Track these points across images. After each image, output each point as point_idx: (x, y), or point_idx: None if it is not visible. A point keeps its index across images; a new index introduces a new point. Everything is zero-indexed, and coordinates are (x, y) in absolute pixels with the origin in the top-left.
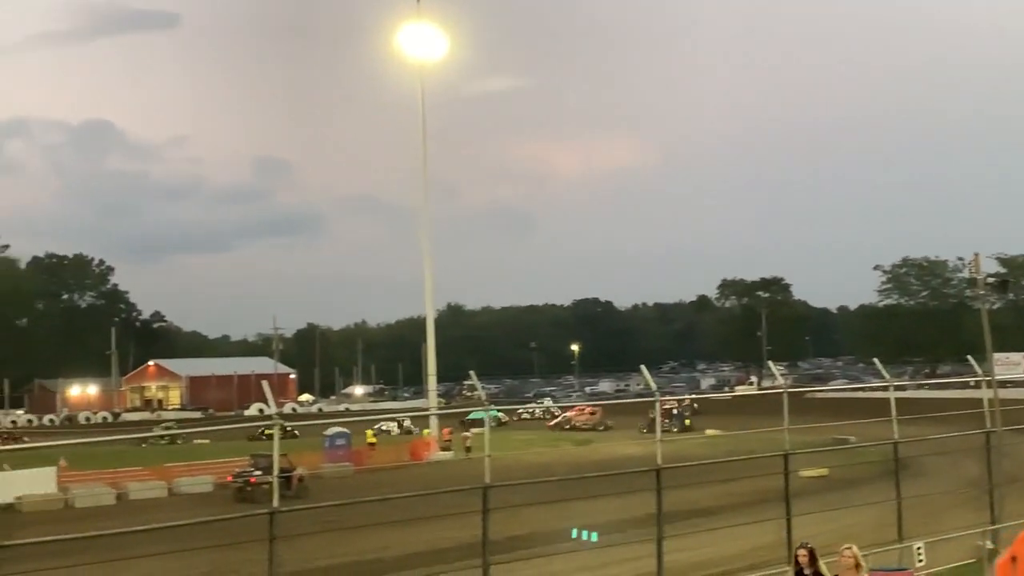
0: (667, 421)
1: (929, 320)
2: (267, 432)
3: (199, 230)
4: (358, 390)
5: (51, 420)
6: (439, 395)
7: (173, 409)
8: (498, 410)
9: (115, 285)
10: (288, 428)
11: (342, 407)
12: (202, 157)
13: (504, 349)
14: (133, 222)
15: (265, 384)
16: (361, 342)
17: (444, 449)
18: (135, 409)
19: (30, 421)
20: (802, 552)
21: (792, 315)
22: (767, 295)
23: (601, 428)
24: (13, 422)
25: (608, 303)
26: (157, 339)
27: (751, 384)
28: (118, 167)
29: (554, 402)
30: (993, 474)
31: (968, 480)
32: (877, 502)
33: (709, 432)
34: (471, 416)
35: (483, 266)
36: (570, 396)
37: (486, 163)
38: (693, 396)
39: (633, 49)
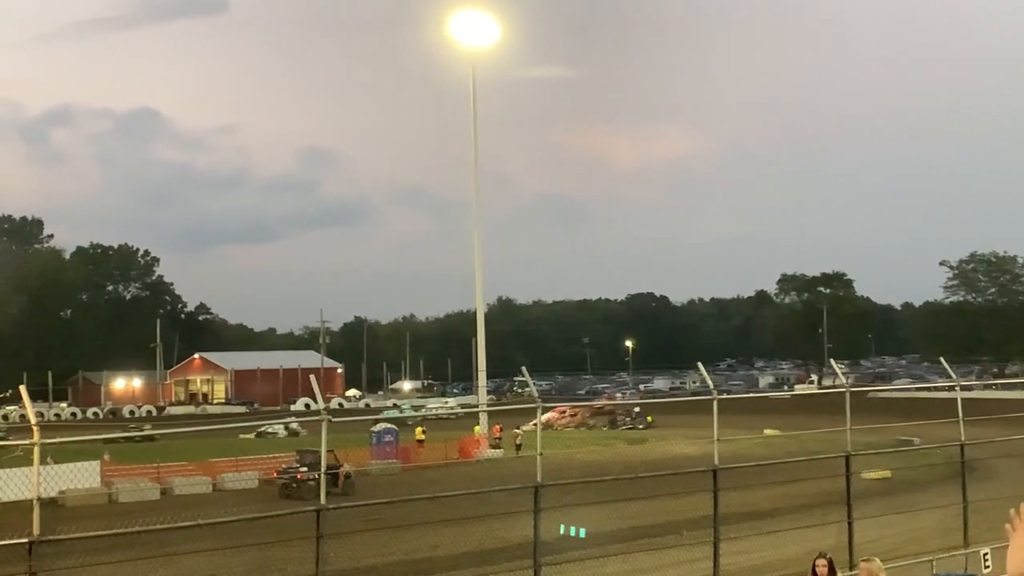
0: (629, 419)
1: (997, 318)
2: (268, 432)
3: (245, 221)
4: (406, 385)
5: (95, 413)
6: (489, 391)
7: (218, 403)
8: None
9: (160, 276)
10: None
11: (389, 402)
12: (249, 146)
13: (556, 344)
14: (179, 212)
15: (312, 378)
16: (409, 336)
17: (494, 447)
18: (180, 403)
19: (74, 414)
20: (821, 562)
21: (854, 312)
22: (829, 291)
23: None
24: (57, 415)
25: (663, 298)
26: (202, 332)
27: (811, 383)
28: (164, 156)
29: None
30: None
31: None
32: (942, 506)
33: (767, 432)
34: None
35: (535, 259)
36: (624, 393)
37: (539, 153)
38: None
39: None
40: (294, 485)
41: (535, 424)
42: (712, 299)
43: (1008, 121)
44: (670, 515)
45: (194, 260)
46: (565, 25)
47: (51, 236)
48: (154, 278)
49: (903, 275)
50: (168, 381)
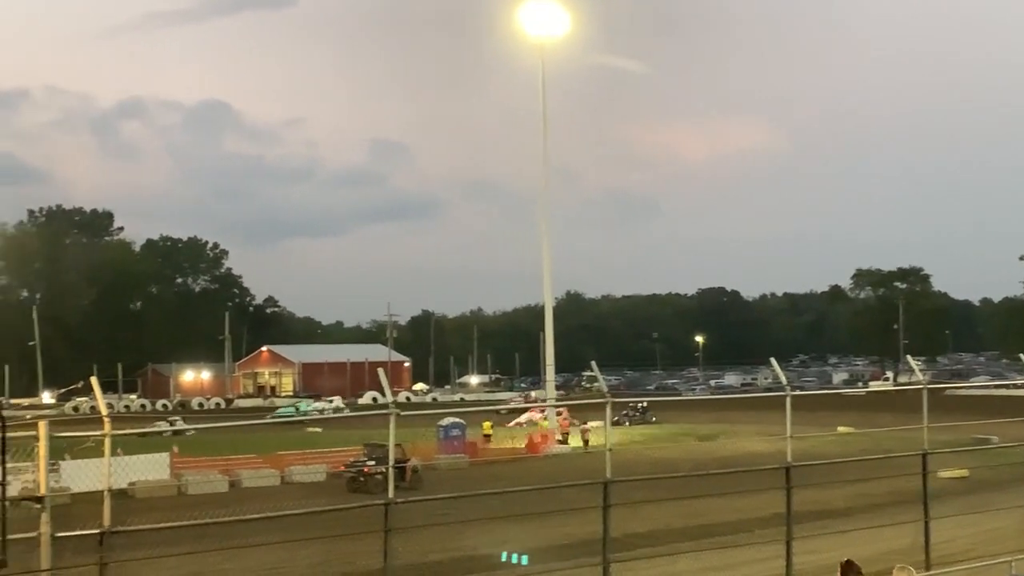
0: (637, 414)
1: None
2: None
3: (314, 214)
4: (473, 379)
5: (164, 405)
6: (556, 386)
7: (286, 396)
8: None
9: (229, 269)
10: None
11: (457, 397)
12: (318, 139)
13: (625, 339)
14: (248, 205)
15: (381, 372)
16: (477, 330)
17: (562, 442)
18: (248, 395)
19: (143, 406)
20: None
21: (931, 307)
22: (905, 286)
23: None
24: (126, 407)
25: (735, 293)
26: (270, 325)
27: (886, 379)
28: (234, 149)
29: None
30: None
31: None
32: (1021, 505)
33: (841, 429)
34: (280, 411)
35: (604, 253)
36: (693, 389)
37: (608, 146)
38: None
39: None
40: (361, 479)
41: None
42: (784, 294)
43: None
44: (741, 513)
45: (262, 253)
46: (635, 16)
47: (121, 228)
48: (223, 271)
49: (982, 270)
50: (236, 374)
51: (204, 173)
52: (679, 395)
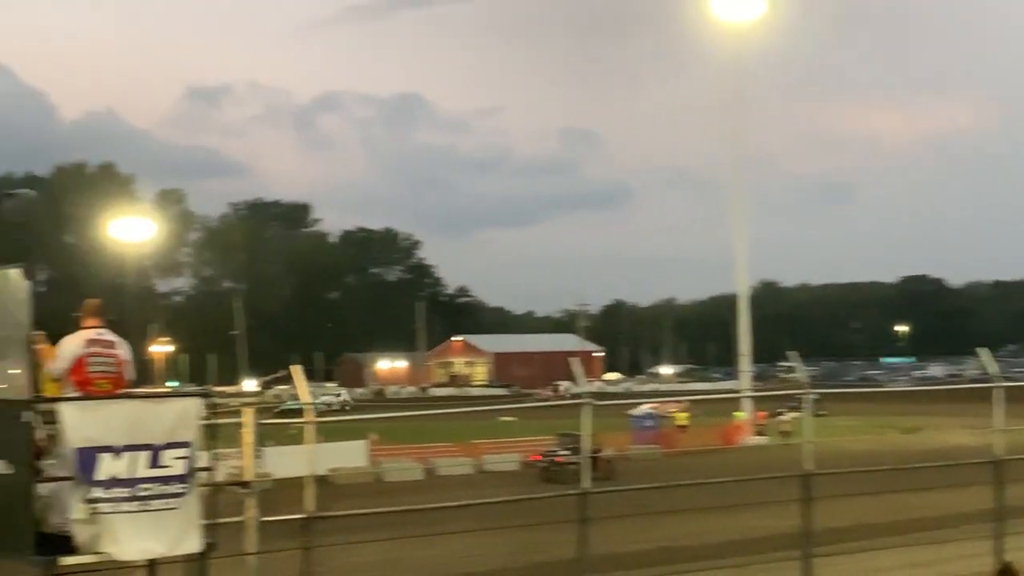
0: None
1: None
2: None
3: (505, 204)
4: (666, 369)
5: (360, 393)
6: (752, 377)
7: (479, 385)
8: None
9: (422, 259)
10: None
11: (649, 387)
12: (510, 129)
13: (822, 329)
14: (440, 196)
15: (574, 362)
16: (669, 320)
17: (758, 433)
18: (441, 384)
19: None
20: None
21: None
22: None
23: None
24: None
25: (939, 280)
26: (462, 314)
27: None
28: (427, 140)
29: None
30: None
31: None
32: None
33: None
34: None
35: (800, 240)
36: (895, 381)
37: (804, 130)
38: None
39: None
40: (555, 468)
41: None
42: (994, 281)
43: None
44: (947, 508)
45: (455, 243)
46: None
47: (318, 220)
48: (416, 261)
49: None
50: (430, 363)
51: (398, 164)
52: (881, 387)
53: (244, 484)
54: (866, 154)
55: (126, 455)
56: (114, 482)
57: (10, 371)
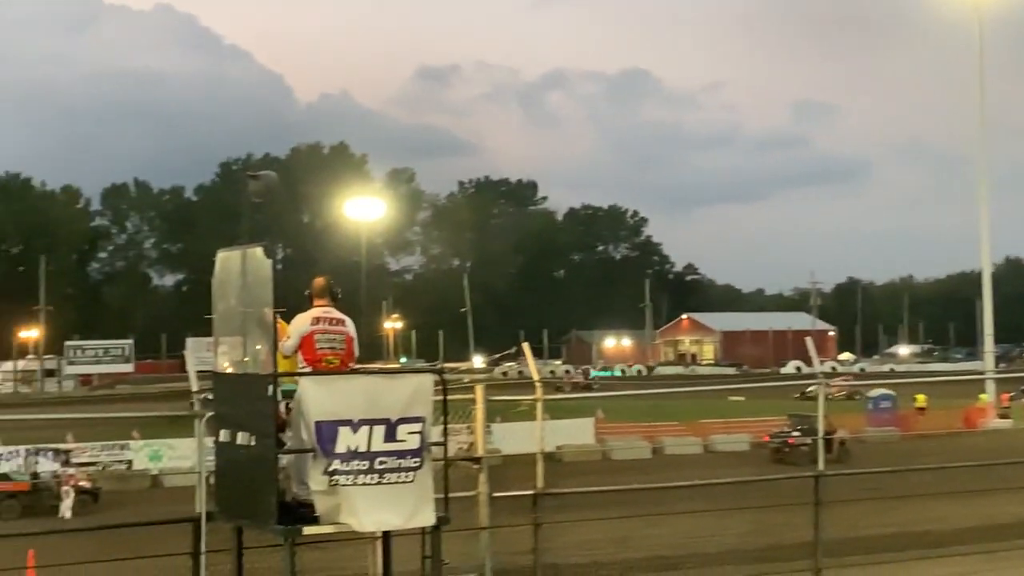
0: None
1: None
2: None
3: (734, 179)
4: (903, 350)
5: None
6: (996, 358)
7: (707, 364)
8: None
9: (648, 237)
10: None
11: (886, 367)
12: (738, 103)
13: None
14: (667, 172)
15: (808, 340)
16: (907, 298)
17: (1002, 416)
18: (669, 363)
19: (567, 371)
20: None
21: None
22: None
23: None
24: (552, 372)
25: None
26: (690, 292)
27: None
28: (653, 116)
29: None
30: None
31: None
32: None
33: None
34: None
35: None
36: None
37: None
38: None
39: None
40: (786, 449)
41: None
42: None
43: None
44: None
45: (681, 220)
46: None
47: (545, 198)
48: (642, 238)
49: None
50: (657, 341)
51: (624, 141)
52: None
53: (476, 460)
54: None
55: (363, 428)
56: (352, 455)
57: (257, 347)
